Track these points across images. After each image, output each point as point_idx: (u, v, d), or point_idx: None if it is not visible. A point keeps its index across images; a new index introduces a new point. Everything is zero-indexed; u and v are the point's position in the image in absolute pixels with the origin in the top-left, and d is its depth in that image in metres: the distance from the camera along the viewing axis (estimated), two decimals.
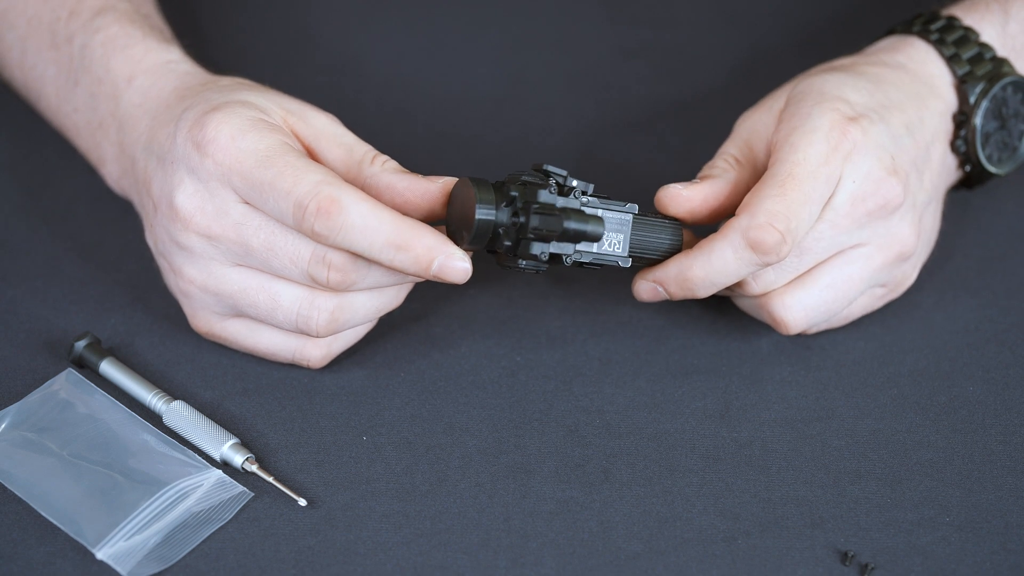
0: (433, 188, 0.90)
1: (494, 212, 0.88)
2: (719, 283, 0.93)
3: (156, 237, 0.93)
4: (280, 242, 0.89)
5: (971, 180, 1.02)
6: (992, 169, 1.00)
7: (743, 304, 0.98)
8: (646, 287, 0.95)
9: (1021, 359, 0.98)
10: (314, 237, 0.87)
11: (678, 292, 0.94)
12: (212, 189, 0.89)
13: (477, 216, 0.88)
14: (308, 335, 0.92)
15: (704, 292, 0.93)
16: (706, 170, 0.96)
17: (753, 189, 0.92)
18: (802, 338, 0.98)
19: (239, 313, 0.93)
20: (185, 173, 0.90)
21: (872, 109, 0.95)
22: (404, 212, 0.90)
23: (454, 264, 0.88)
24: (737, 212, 0.92)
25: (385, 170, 0.91)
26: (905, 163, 0.95)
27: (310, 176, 0.87)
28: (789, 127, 0.94)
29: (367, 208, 0.87)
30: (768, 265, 0.92)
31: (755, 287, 0.94)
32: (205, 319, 0.94)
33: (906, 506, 0.89)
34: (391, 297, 0.93)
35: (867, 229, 0.94)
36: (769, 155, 0.95)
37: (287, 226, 0.89)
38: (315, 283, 0.89)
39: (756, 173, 0.96)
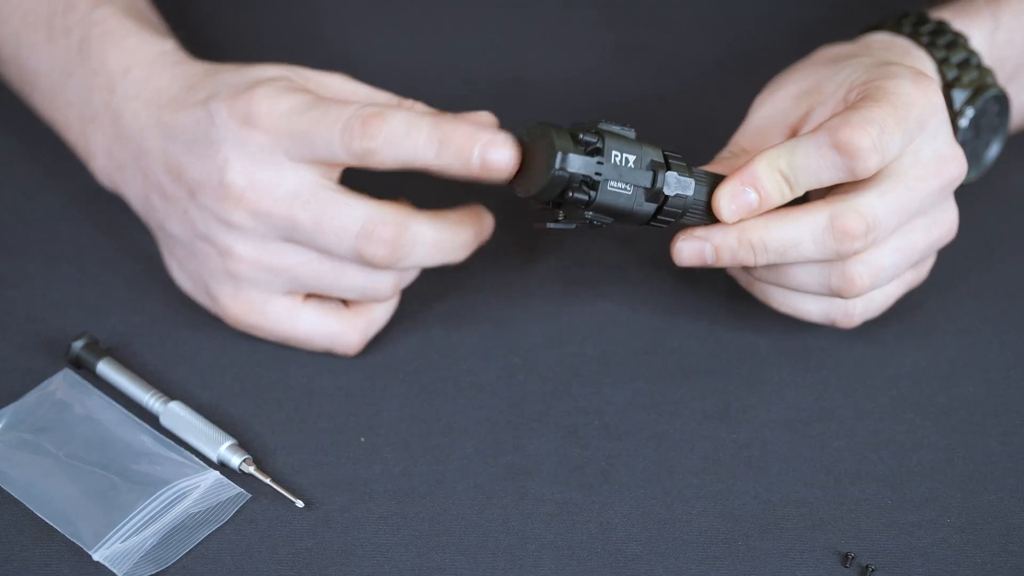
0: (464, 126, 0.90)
1: (573, 159, 0.85)
2: (800, 183, 0.88)
3: (194, 222, 0.93)
4: (328, 216, 0.90)
5: None
6: None
7: (800, 274, 0.92)
8: (691, 245, 0.90)
9: (1021, 359, 0.97)
10: (363, 157, 0.88)
11: (771, 188, 0.88)
12: (261, 162, 0.90)
13: (557, 164, 0.85)
14: (376, 300, 0.93)
15: (794, 190, 0.88)
16: (712, 164, 0.95)
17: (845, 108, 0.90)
18: (801, 338, 0.98)
19: (294, 288, 0.93)
20: (230, 150, 0.91)
21: None
22: None
23: (497, 150, 0.87)
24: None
25: (415, 110, 0.92)
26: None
27: (353, 104, 0.89)
28: (872, 80, 0.91)
29: (407, 114, 0.88)
30: (853, 174, 0.88)
31: (863, 242, 0.89)
32: (247, 303, 0.93)
33: (906, 507, 0.89)
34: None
35: (937, 198, 0.92)
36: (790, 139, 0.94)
37: (345, 194, 0.89)
38: (362, 259, 0.90)
39: None
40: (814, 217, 0.89)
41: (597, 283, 1.01)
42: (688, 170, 0.88)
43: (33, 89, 1.03)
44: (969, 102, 0.98)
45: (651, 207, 0.87)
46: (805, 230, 0.89)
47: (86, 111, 0.99)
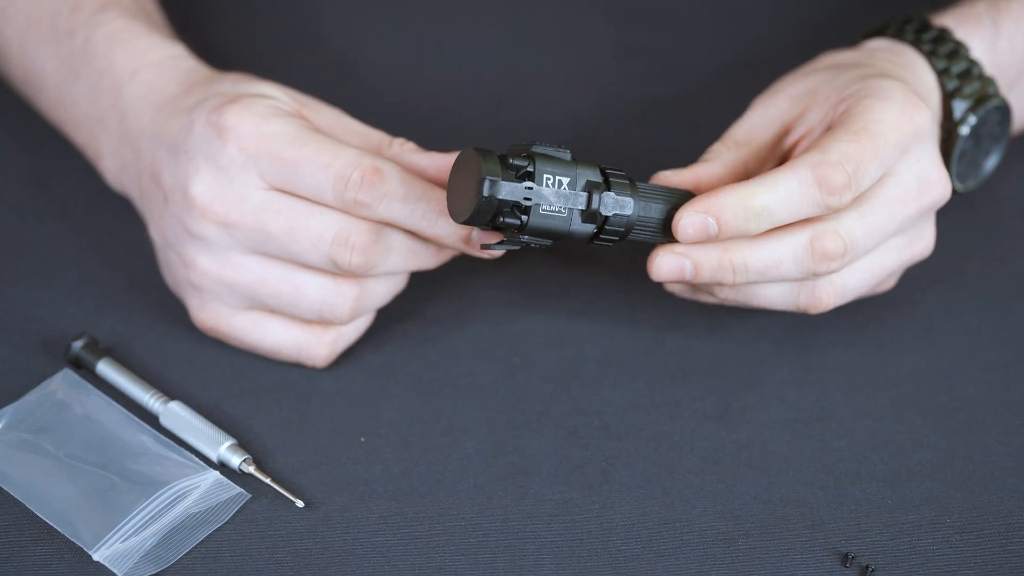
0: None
1: (501, 185, 0.85)
2: (778, 216, 0.88)
3: (165, 229, 0.93)
4: (301, 225, 0.90)
5: None
6: (958, 186, 1.00)
7: (770, 294, 0.94)
8: (670, 261, 0.90)
9: (1021, 359, 0.97)
10: (356, 207, 0.89)
11: (734, 223, 0.88)
12: (233, 176, 0.90)
13: (484, 192, 0.85)
14: (331, 323, 0.93)
15: (758, 226, 0.88)
16: (704, 155, 0.95)
17: (823, 135, 0.90)
18: (801, 338, 0.98)
19: (254, 305, 0.93)
20: (202, 161, 0.90)
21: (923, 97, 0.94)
22: None
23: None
24: (804, 151, 0.89)
25: (405, 151, 0.93)
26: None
27: (349, 149, 0.90)
28: (860, 94, 0.91)
29: (408, 177, 0.90)
30: (828, 208, 0.88)
31: (838, 263, 0.89)
32: (213, 313, 0.93)
33: (907, 507, 0.89)
34: (402, 279, 0.95)
35: (916, 219, 0.93)
36: (782, 138, 0.94)
37: (319, 204, 0.90)
38: (336, 266, 0.90)
39: (759, 155, 0.95)
40: (795, 238, 0.90)
41: (597, 283, 1.01)
42: (630, 187, 0.88)
43: (39, 90, 1.03)
44: (971, 110, 0.98)
45: (590, 227, 0.87)
46: (787, 250, 0.90)
47: (93, 112, 0.99)
